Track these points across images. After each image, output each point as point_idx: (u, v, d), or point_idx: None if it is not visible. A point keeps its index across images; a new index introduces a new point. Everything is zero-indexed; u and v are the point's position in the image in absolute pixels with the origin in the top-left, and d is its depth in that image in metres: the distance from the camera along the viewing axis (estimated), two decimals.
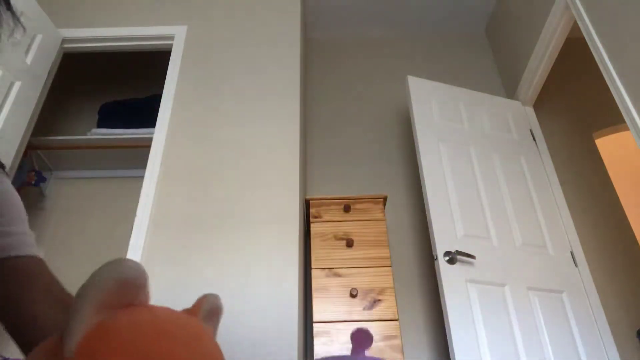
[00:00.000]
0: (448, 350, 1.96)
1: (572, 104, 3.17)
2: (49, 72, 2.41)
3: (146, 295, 0.33)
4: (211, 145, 2.23)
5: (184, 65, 2.48)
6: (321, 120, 3.16)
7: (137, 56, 2.98)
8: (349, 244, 2.19)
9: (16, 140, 2.13)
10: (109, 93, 3.26)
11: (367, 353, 0.53)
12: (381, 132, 3.10)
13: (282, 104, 2.35)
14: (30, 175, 2.81)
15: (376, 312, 2.02)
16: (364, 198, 2.35)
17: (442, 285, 2.03)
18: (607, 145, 3.30)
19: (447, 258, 2.10)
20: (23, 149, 2.25)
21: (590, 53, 2.20)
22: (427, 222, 2.29)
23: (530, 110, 2.98)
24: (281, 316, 1.78)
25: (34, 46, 2.28)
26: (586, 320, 2.21)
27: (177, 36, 2.58)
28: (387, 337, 1.97)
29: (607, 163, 2.95)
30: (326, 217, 2.29)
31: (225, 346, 0.39)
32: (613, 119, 3.00)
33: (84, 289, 0.28)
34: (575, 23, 2.36)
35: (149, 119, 2.64)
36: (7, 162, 2.03)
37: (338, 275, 2.12)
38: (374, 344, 1.92)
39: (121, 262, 0.30)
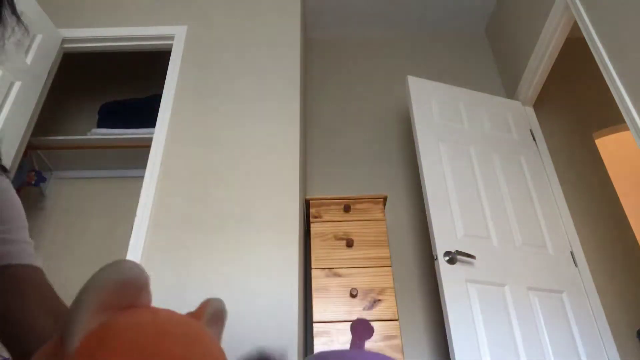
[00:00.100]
0: (448, 350, 1.96)
1: (572, 104, 3.17)
2: (49, 72, 2.41)
3: (147, 297, 0.32)
4: (211, 145, 2.22)
5: (184, 65, 2.48)
6: (321, 121, 3.16)
7: (137, 56, 2.98)
8: (349, 244, 2.19)
9: (16, 140, 2.13)
10: (109, 93, 3.26)
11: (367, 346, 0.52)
12: (381, 132, 3.10)
13: (282, 104, 2.35)
14: (30, 175, 2.81)
15: (376, 312, 2.02)
16: (364, 198, 2.35)
17: (442, 285, 2.03)
18: (607, 145, 3.30)
19: (447, 258, 2.10)
20: (23, 149, 2.25)
21: (590, 53, 2.20)
22: (427, 222, 2.29)
23: (530, 110, 2.98)
24: (281, 316, 1.78)
25: (34, 46, 2.28)
26: (586, 320, 2.21)
27: (177, 36, 2.58)
28: (387, 337, 1.97)
29: (607, 163, 2.95)
30: (326, 217, 2.29)
31: (224, 346, 0.39)
32: (613, 119, 3.00)
33: (84, 289, 0.28)
34: (575, 23, 2.36)
35: (149, 119, 2.64)
36: (7, 162, 2.03)
37: (338, 275, 2.12)
38: (374, 344, 1.92)
39: (121, 263, 0.30)
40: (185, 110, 2.34)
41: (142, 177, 2.13)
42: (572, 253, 2.44)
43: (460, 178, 2.42)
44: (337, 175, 2.91)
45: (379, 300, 2.06)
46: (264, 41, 2.58)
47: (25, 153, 2.60)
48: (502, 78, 3.33)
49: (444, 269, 2.07)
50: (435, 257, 2.12)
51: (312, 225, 2.28)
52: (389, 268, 2.14)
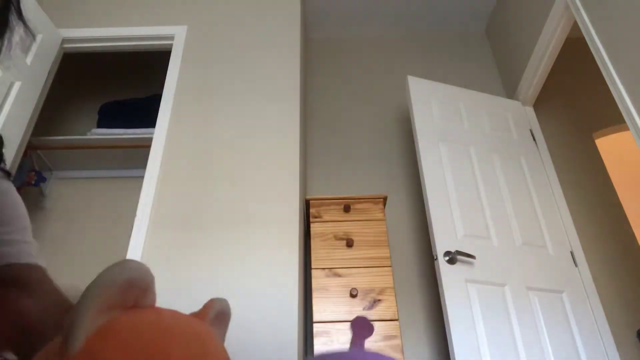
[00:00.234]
0: (448, 350, 1.96)
1: (572, 104, 3.17)
2: (49, 72, 2.41)
3: (152, 296, 0.33)
4: (211, 145, 2.22)
5: (184, 65, 2.48)
6: (321, 120, 3.16)
7: (137, 56, 2.98)
8: (349, 244, 2.19)
9: (16, 140, 2.13)
10: (109, 93, 3.26)
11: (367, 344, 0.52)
12: (381, 132, 3.10)
13: (282, 104, 2.35)
14: (30, 175, 2.81)
15: (376, 312, 2.02)
16: (364, 198, 2.35)
17: (442, 285, 2.03)
18: (607, 145, 3.30)
19: (447, 258, 2.10)
20: (23, 149, 2.25)
21: (590, 53, 2.20)
22: (427, 222, 2.29)
23: (530, 110, 2.98)
24: (281, 316, 1.78)
25: (34, 46, 2.28)
26: (586, 320, 2.21)
27: (177, 36, 2.58)
28: (387, 337, 1.97)
29: (607, 163, 2.95)
30: (326, 217, 2.29)
31: (226, 345, 0.39)
32: (613, 119, 3.01)
33: (88, 289, 0.29)
34: (575, 23, 2.36)
35: (149, 119, 2.64)
36: (7, 162, 2.02)
37: (338, 275, 2.12)
38: (374, 344, 1.92)
39: (126, 264, 0.30)
40: (185, 110, 2.34)
41: (142, 177, 2.13)
42: (572, 253, 2.44)
43: (460, 178, 2.42)
44: (337, 175, 2.91)
45: (379, 300, 2.06)
46: (264, 41, 2.58)
47: (25, 153, 2.60)
48: (502, 78, 3.33)
49: (444, 269, 2.07)
50: (435, 257, 2.12)
51: (312, 225, 2.28)
52: (389, 268, 2.14)
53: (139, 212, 2.02)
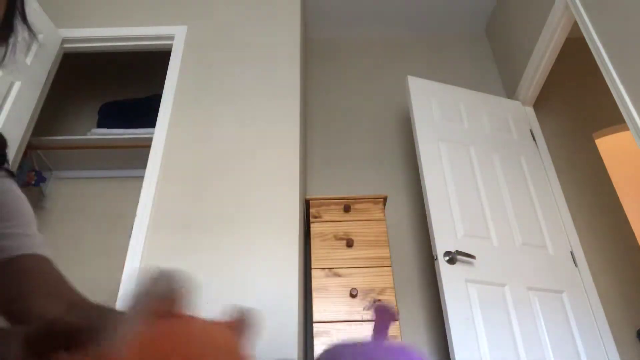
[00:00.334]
0: (448, 350, 1.96)
1: (572, 104, 3.17)
2: (49, 72, 2.41)
3: (187, 305, 0.33)
4: (211, 145, 2.22)
5: (184, 65, 2.48)
6: (321, 120, 3.16)
7: (137, 56, 2.98)
8: (349, 244, 2.19)
9: (16, 140, 2.13)
10: (109, 93, 3.26)
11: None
12: (381, 132, 3.10)
13: (282, 104, 2.35)
14: (30, 175, 2.81)
15: None
16: (364, 198, 2.35)
17: (442, 285, 2.03)
18: (607, 145, 3.30)
19: (447, 258, 2.10)
20: (23, 149, 2.25)
21: (590, 53, 2.20)
22: (427, 222, 2.29)
23: (530, 110, 2.98)
24: (281, 316, 1.78)
25: (34, 46, 2.28)
26: (586, 320, 2.21)
27: (177, 36, 2.58)
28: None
29: (607, 163, 2.95)
30: (326, 217, 2.29)
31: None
32: (613, 119, 3.00)
33: (128, 299, 0.29)
34: (575, 23, 2.36)
35: (149, 119, 2.64)
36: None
37: (338, 275, 2.12)
38: None
39: (165, 273, 0.30)
40: (185, 110, 2.33)
41: (142, 177, 2.13)
42: (572, 253, 2.44)
43: (460, 178, 2.42)
44: (337, 175, 2.91)
45: (379, 300, 2.06)
46: (263, 41, 2.58)
47: (25, 153, 2.60)
48: (502, 78, 3.33)
49: (444, 269, 2.07)
50: (435, 257, 2.12)
51: (312, 225, 2.28)
52: (389, 268, 2.14)
53: (139, 212, 2.02)
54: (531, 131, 2.86)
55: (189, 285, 0.32)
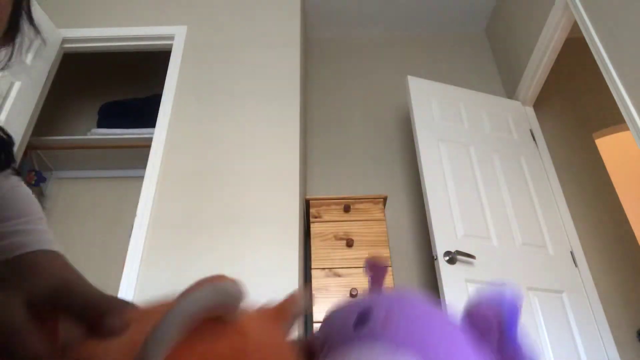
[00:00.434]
0: None
1: (572, 104, 3.17)
2: (49, 72, 2.41)
3: (240, 313, 0.30)
4: (211, 145, 2.23)
5: (184, 65, 2.48)
6: (321, 120, 3.16)
7: (137, 56, 2.98)
8: (349, 244, 2.19)
9: (16, 140, 2.13)
10: (109, 93, 3.26)
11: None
12: (381, 132, 3.10)
13: (282, 104, 2.35)
14: (30, 175, 2.81)
15: None
16: (364, 198, 2.35)
17: (442, 285, 2.03)
18: (607, 145, 3.30)
19: (447, 258, 2.10)
20: (23, 149, 2.25)
21: (590, 53, 2.20)
22: (427, 222, 2.29)
23: (530, 110, 2.98)
24: None
25: (34, 46, 2.28)
26: (586, 320, 2.21)
27: (177, 36, 2.58)
28: None
29: (607, 163, 2.95)
30: (326, 217, 2.29)
31: None
32: (613, 119, 3.00)
33: (171, 312, 0.26)
34: (575, 23, 2.36)
35: (149, 119, 2.64)
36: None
37: (338, 275, 2.12)
38: None
39: (218, 281, 0.29)
40: (185, 110, 2.34)
41: (142, 177, 2.13)
42: (572, 253, 2.44)
43: (460, 178, 2.42)
44: (337, 175, 2.91)
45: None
46: (264, 41, 2.58)
47: (25, 153, 2.61)
48: (502, 78, 3.33)
49: (444, 269, 2.07)
50: (435, 257, 2.12)
51: (312, 225, 2.28)
52: (389, 268, 2.14)
53: (139, 212, 2.02)
54: (531, 131, 2.86)
55: (241, 296, 0.30)
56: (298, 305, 0.35)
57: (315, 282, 2.11)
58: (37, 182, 2.83)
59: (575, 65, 3.23)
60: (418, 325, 0.34)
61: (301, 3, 2.84)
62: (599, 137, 3.09)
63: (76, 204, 2.92)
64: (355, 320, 0.36)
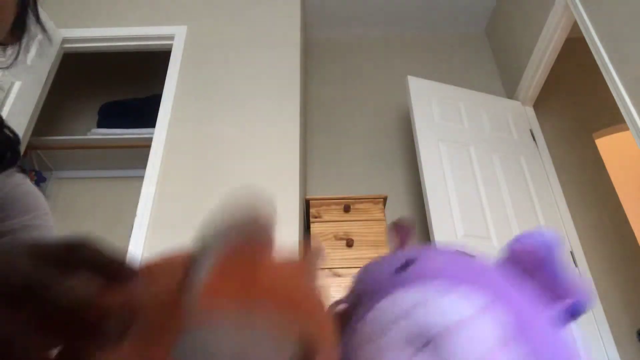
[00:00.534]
0: None
1: (572, 104, 3.17)
2: (49, 72, 2.41)
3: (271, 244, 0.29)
4: (211, 145, 2.22)
5: (184, 65, 2.48)
6: (321, 120, 3.16)
7: (137, 56, 2.98)
8: (349, 244, 2.19)
9: None
10: (109, 93, 3.26)
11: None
12: (381, 132, 3.10)
13: (282, 104, 2.35)
14: (31, 175, 2.81)
15: None
16: (364, 198, 2.35)
17: None
18: (607, 145, 3.30)
19: None
20: (23, 149, 2.25)
21: (590, 53, 2.20)
22: (427, 222, 2.29)
23: (530, 110, 2.98)
24: None
25: (34, 46, 2.28)
26: (586, 320, 2.21)
27: (177, 36, 2.58)
28: None
29: (607, 163, 2.95)
30: (326, 217, 2.29)
31: None
32: (613, 119, 3.00)
33: (211, 234, 0.26)
34: (575, 23, 2.36)
35: (149, 119, 2.64)
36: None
37: (338, 275, 2.12)
38: None
39: (249, 205, 0.28)
40: (185, 110, 2.33)
41: (142, 177, 2.13)
42: (572, 253, 2.44)
43: (460, 178, 2.42)
44: (337, 175, 2.91)
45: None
46: (264, 41, 2.58)
47: (25, 153, 2.61)
48: (502, 78, 3.33)
49: None
50: None
51: (312, 225, 2.28)
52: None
53: (139, 212, 2.02)
54: (531, 131, 2.86)
55: (273, 217, 0.29)
56: (320, 258, 0.34)
57: None
58: (37, 182, 2.83)
59: (575, 65, 3.23)
60: (465, 267, 0.34)
61: (301, 3, 2.84)
62: (599, 137, 3.09)
63: (76, 204, 2.91)
64: (400, 266, 0.35)
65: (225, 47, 2.56)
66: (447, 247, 0.39)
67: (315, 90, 3.32)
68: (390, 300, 0.32)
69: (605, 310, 2.29)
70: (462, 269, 0.34)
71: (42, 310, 0.24)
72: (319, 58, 3.50)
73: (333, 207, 2.33)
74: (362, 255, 2.17)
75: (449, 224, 2.23)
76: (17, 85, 2.14)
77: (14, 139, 0.55)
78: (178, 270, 0.25)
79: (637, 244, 2.67)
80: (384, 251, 2.18)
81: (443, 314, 0.29)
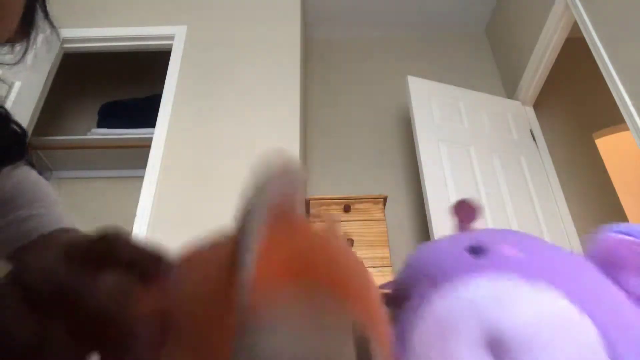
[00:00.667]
0: None
1: (572, 104, 3.17)
2: (49, 72, 2.41)
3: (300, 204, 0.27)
4: (211, 145, 2.23)
5: (184, 65, 2.48)
6: (321, 120, 3.16)
7: (137, 56, 2.98)
8: (349, 244, 2.19)
9: None
10: (109, 93, 3.26)
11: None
12: (381, 132, 3.10)
13: (282, 104, 2.35)
14: None
15: None
16: (364, 198, 2.35)
17: None
18: (607, 145, 3.30)
19: None
20: None
21: (590, 53, 2.20)
22: (427, 222, 2.29)
23: (530, 110, 2.98)
24: None
25: (34, 46, 2.28)
26: None
27: (177, 36, 2.58)
28: None
29: (607, 163, 2.95)
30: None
31: None
32: (613, 119, 3.00)
33: (250, 202, 0.23)
34: (575, 23, 2.36)
35: (149, 119, 2.64)
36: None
37: None
38: None
39: (287, 167, 0.26)
40: (185, 110, 2.34)
41: (142, 177, 2.13)
42: None
43: (460, 178, 2.42)
44: (337, 175, 2.91)
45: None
46: (264, 41, 2.58)
47: None
48: (502, 78, 3.32)
49: None
50: None
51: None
52: (389, 268, 2.14)
53: (139, 212, 2.02)
54: (531, 131, 2.86)
55: (301, 183, 0.27)
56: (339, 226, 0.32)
57: None
58: None
59: (575, 65, 3.23)
60: (547, 257, 0.31)
61: (301, 3, 2.84)
62: (599, 137, 3.09)
63: (76, 204, 2.91)
64: (471, 249, 0.32)
65: (225, 47, 2.56)
66: (521, 232, 0.37)
67: (315, 91, 3.32)
68: (465, 290, 0.29)
69: None
70: (545, 262, 0.31)
71: (77, 316, 0.22)
72: (319, 58, 3.50)
73: (333, 207, 2.33)
74: (362, 255, 2.17)
75: (449, 224, 2.23)
76: (17, 85, 2.14)
77: (22, 133, 0.56)
78: (222, 256, 0.23)
79: None
80: (384, 251, 2.18)
81: (526, 315, 0.26)
